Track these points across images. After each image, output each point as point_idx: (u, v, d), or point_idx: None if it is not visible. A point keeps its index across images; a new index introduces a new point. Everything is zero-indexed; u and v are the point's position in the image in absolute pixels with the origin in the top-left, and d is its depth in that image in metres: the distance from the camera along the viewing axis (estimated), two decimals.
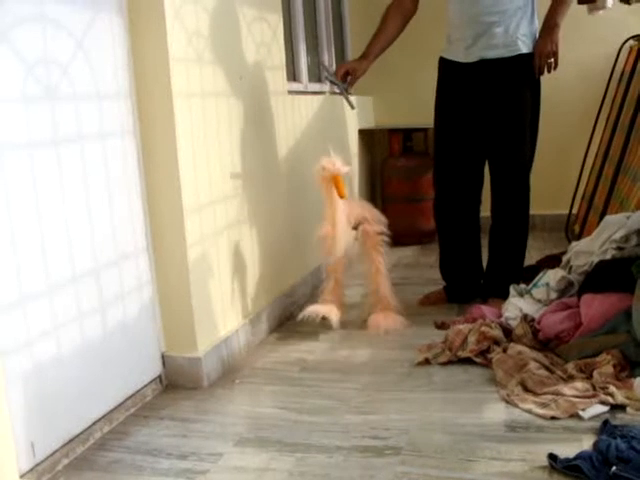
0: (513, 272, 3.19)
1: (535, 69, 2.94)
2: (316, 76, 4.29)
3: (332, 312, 2.99)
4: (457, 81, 3.07)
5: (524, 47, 2.92)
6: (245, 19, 2.95)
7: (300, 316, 2.97)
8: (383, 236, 3.05)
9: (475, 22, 2.91)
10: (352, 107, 3.16)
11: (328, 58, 4.57)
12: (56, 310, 2.00)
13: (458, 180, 3.16)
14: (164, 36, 2.34)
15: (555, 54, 2.93)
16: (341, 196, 2.85)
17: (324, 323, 2.97)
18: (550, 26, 2.93)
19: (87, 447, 2.11)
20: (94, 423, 2.16)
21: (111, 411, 2.25)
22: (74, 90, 2.09)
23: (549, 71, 2.97)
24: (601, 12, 4.03)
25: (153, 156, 2.43)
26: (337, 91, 3.22)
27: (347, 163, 2.92)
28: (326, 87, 4.37)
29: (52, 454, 1.97)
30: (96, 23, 2.19)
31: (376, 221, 3.07)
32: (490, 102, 2.99)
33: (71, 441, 2.05)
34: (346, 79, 3.09)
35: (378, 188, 5.18)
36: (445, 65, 3.12)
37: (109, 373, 2.24)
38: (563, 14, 2.95)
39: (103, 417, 2.20)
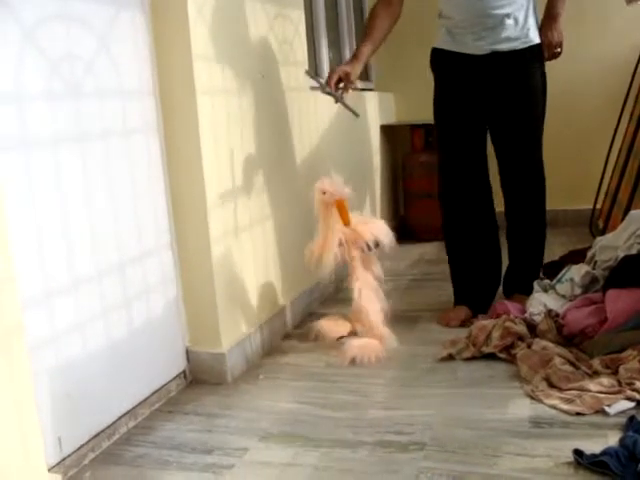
0: (535, 267, 3.14)
1: (545, 59, 2.95)
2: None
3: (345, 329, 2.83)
4: (465, 73, 2.92)
5: (535, 37, 2.87)
6: (268, 15, 2.95)
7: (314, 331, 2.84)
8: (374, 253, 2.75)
9: (484, 16, 2.80)
10: (356, 115, 2.92)
11: (350, 53, 4.55)
12: (81, 306, 2.02)
13: (467, 176, 3.02)
14: (187, 33, 2.35)
15: (561, 43, 2.96)
16: (347, 223, 2.65)
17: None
18: (554, 15, 2.94)
19: (113, 442, 2.12)
20: (119, 418, 2.18)
21: (136, 406, 2.26)
22: (98, 87, 2.10)
23: (554, 59, 3.02)
24: (639, 2, 4.00)
25: (177, 153, 2.44)
26: (334, 101, 2.86)
27: (347, 183, 2.70)
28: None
29: (79, 448, 1.99)
30: (119, 20, 2.21)
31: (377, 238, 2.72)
32: (504, 94, 2.89)
33: (97, 436, 2.07)
34: (339, 85, 2.82)
35: (400, 184, 5.18)
36: (446, 57, 2.97)
37: (134, 368, 2.26)
38: (564, 1, 2.94)
39: (128, 412, 2.22)
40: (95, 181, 2.08)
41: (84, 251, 2.03)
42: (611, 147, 4.52)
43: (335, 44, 4.35)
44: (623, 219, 3.17)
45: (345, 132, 3.99)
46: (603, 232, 3.91)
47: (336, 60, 4.32)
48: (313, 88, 3.14)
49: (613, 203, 4.12)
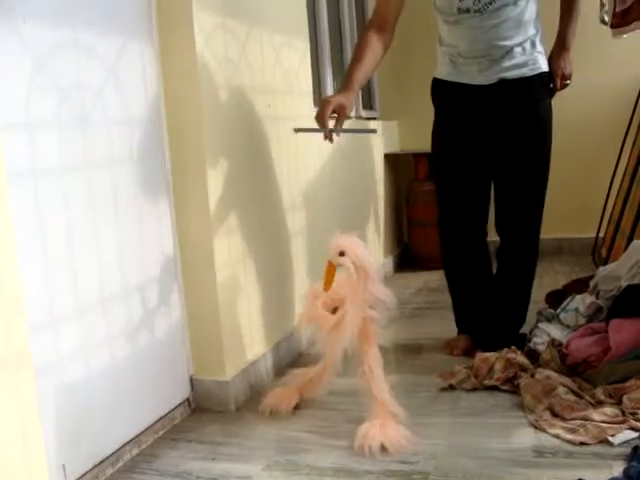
0: (516, 323, 2.97)
1: (554, 89, 2.86)
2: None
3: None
4: (469, 104, 2.79)
5: (544, 65, 2.78)
6: (274, 46, 2.99)
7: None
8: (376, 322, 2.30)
9: (491, 47, 2.68)
10: (372, 132, 2.79)
11: None
12: (86, 332, 2.03)
13: (467, 211, 2.91)
14: (194, 64, 2.38)
15: (571, 75, 2.89)
16: (326, 288, 2.27)
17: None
18: (566, 47, 2.85)
19: (117, 469, 2.13)
20: (123, 445, 2.18)
21: (140, 434, 2.26)
22: (106, 116, 2.13)
23: (562, 89, 2.92)
24: (625, 36, 4.04)
25: (183, 181, 2.46)
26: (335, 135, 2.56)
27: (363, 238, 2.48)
28: (352, 112, 4.40)
29: (82, 476, 1.99)
30: (127, 50, 2.24)
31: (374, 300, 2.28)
32: (511, 125, 2.75)
33: (101, 463, 2.07)
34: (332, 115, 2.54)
35: (403, 212, 5.20)
36: (449, 88, 2.84)
37: (138, 395, 2.27)
38: (575, 32, 2.87)
39: (132, 440, 2.22)
40: (102, 208, 2.10)
41: (90, 277, 2.05)
42: (614, 175, 4.54)
43: (339, 74, 4.39)
44: (626, 247, 3.19)
45: (349, 161, 4.01)
46: (606, 261, 3.92)
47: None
48: (298, 130, 2.88)
49: (616, 231, 4.13)
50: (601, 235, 4.59)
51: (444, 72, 2.86)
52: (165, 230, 2.43)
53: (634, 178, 4.10)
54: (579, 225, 4.90)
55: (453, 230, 2.97)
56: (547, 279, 4.08)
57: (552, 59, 2.84)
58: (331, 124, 2.52)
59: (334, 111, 2.49)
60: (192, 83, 2.40)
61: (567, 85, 2.90)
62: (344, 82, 2.63)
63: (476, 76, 2.75)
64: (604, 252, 4.31)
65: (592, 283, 3.12)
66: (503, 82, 2.73)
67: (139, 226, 2.28)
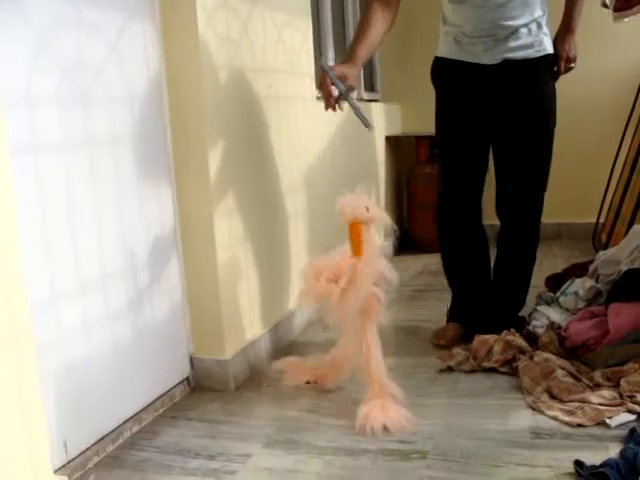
0: (518, 303, 2.96)
1: (558, 72, 2.83)
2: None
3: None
4: (473, 84, 2.74)
5: (549, 47, 2.74)
6: (276, 25, 2.98)
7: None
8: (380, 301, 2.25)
9: (497, 27, 2.64)
10: (368, 126, 2.43)
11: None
12: (87, 310, 2.04)
13: (467, 190, 2.87)
14: (196, 42, 2.38)
15: (575, 58, 2.85)
16: (357, 253, 2.19)
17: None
18: (571, 29, 2.81)
19: (117, 446, 2.14)
20: (124, 422, 2.19)
21: (140, 411, 2.28)
22: (107, 94, 2.13)
23: (566, 72, 2.87)
24: (626, 19, 4.01)
25: (184, 160, 2.46)
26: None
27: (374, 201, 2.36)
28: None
29: (84, 452, 2.00)
30: (129, 29, 2.24)
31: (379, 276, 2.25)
32: (516, 106, 2.71)
33: (102, 439, 2.08)
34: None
35: (404, 195, 5.20)
36: (452, 67, 2.78)
37: (138, 373, 2.28)
38: (580, 14, 2.83)
39: (133, 417, 2.24)
40: (102, 186, 2.11)
41: (91, 256, 2.05)
42: (615, 161, 4.54)
43: (341, 56, 4.37)
44: (626, 233, 3.20)
45: (350, 142, 4.01)
46: (606, 246, 3.93)
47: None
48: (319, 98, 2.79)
49: (616, 217, 4.14)
50: (601, 221, 4.59)
51: (447, 50, 2.80)
52: (166, 209, 2.43)
53: (635, 164, 4.10)
54: (579, 210, 4.91)
55: (452, 211, 2.91)
56: (547, 263, 4.10)
57: (557, 41, 2.80)
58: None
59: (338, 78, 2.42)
60: (194, 63, 2.40)
61: (571, 68, 2.87)
62: (348, 56, 2.57)
63: (480, 55, 2.71)
64: (604, 237, 4.32)
65: (592, 267, 3.13)
66: (507, 62, 2.69)
67: (140, 204, 2.29)
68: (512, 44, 2.67)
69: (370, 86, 4.99)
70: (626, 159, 4.43)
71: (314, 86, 3.41)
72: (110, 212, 2.14)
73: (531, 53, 2.69)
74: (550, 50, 2.75)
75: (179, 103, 2.43)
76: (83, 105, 2.02)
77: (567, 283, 3.00)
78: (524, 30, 2.66)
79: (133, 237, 2.25)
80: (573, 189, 4.87)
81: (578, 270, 3.44)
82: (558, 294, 2.98)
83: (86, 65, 2.03)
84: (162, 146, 2.41)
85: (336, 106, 2.44)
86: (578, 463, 1.80)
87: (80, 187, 2.01)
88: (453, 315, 3.03)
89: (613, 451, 1.90)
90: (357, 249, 2.17)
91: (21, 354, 1.59)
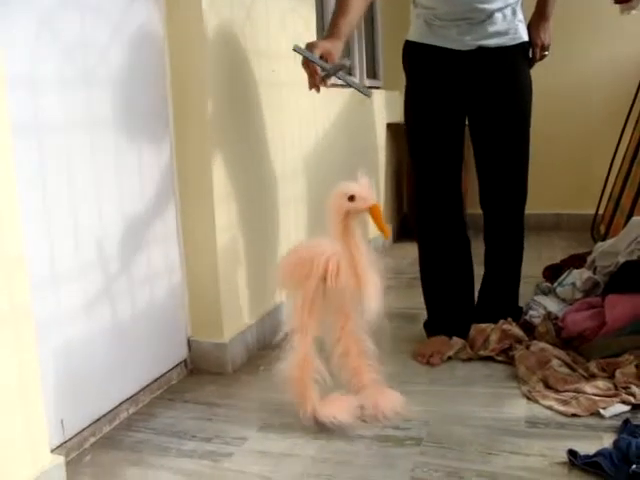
0: (513, 287, 2.84)
1: (533, 60, 2.70)
2: (346, 69, 4.30)
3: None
4: (445, 70, 2.60)
5: (524, 34, 2.61)
6: (280, 10, 2.97)
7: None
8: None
9: (471, 10, 2.51)
10: (367, 94, 2.42)
11: (359, 51, 4.58)
12: (86, 290, 2.04)
13: (444, 185, 2.71)
14: (200, 26, 2.37)
15: (549, 46, 2.72)
16: (387, 235, 2.09)
17: None
18: (546, 15, 2.69)
19: (113, 427, 2.15)
20: (120, 404, 2.20)
21: (137, 393, 2.29)
22: (110, 74, 2.13)
23: (540, 61, 2.74)
24: (634, 12, 4.00)
25: (186, 142, 2.46)
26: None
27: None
28: (356, 80, 4.38)
29: (80, 432, 2.01)
30: (132, 9, 2.23)
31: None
32: (490, 95, 2.59)
33: (98, 420, 2.10)
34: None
35: (404, 182, 5.19)
36: (423, 51, 2.64)
37: (136, 355, 2.29)
38: (555, 1, 2.70)
39: (129, 398, 2.25)
40: (103, 168, 2.11)
41: (91, 236, 2.06)
42: (615, 153, 4.54)
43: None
44: (625, 225, 3.20)
45: (351, 129, 4.01)
46: (605, 237, 3.94)
47: (343, 57, 4.33)
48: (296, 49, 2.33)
49: (616, 209, 4.14)
50: (600, 212, 4.60)
51: (417, 34, 2.66)
52: (166, 190, 2.43)
53: (635, 156, 4.10)
54: (578, 201, 4.91)
55: (431, 208, 2.74)
56: (545, 253, 4.10)
57: (531, 29, 2.68)
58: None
59: (321, 57, 2.31)
60: (197, 46, 2.39)
61: (545, 56, 2.74)
62: (330, 31, 2.45)
63: (454, 40, 2.57)
64: (603, 229, 4.32)
65: (590, 258, 3.14)
66: (482, 50, 2.56)
67: (140, 186, 2.29)
68: (487, 29, 2.54)
69: (372, 73, 4.99)
70: (626, 150, 4.43)
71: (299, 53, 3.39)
72: (110, 192, 2.14)
73: (506, 41, 2.58)
74: (525, 38, 2.63)
75: (182, 87, 2.43)
76: (85, 82, 2.01)
77: (565, 274, 3.01)
78: (499, 15, 2.54)
79: (134, 218, 2.25)
80: (573, 180, 4.88)
81: (576, 261, 3.45)
82: (555, 284, 2.99)
83: (89, 43, 2.03)
84: (164, 127, 2.41)
85: (320, 87, 2.35)
86: (572, 452, 1.82)
87: (81, 166, 2.01)
88: (433, 328, 2.81)
89: (607, 441, 1.91)
90: (384, 231, 2.01)
91: (21, 334, 1.60)
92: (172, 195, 2.46)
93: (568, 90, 4.69)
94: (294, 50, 2.28)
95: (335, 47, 2.36)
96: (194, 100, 2.43)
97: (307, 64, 2.31)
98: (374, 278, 1.99)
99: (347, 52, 4.44)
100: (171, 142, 2.45)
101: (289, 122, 3.11)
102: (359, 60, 4.56)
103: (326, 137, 3.59)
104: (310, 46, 2.31)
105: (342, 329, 2.16)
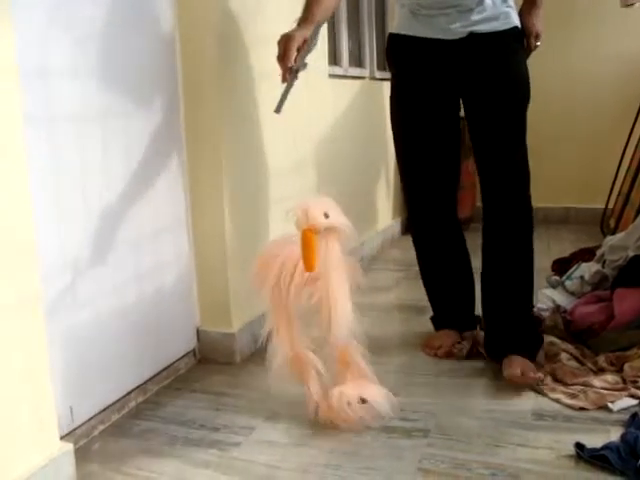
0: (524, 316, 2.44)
1: (528, 49, 2.53)
2: (356, 60, 4.30)
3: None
4: (435, 62, 2.42)
5: (516, 20, 2.43)
6: (291, 2, 2.96)
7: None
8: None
9: None
10: (278, 110, 2.29)
11: (369, 43, 4.56)
12: (96, 279, 2.05)
13: (437, 189, 2.57)
14: (211, 13, 2.38)
15: (541, 34, 2.55)
16: (309, 269, 1.89)
17: None
18: (537, 3, 2.52)
19: (122, 415, 2.16)
20: (129, 392, 2.21)
21: (146, 382, 2.30)
22: (121, 65, 2.13)
23: (533, 51, 2.58)
24: (637, 4, 3.98)
25: (196, 131, 2.46)
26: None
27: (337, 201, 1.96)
28: (366, 72, 4.38)
29: (89, 420, 2.03)
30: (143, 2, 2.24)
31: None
32: (484, 84, 2.38)
33: (107, 408, 2.11)
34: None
35: None
36: (410, 44, 2.46)
37: (145, 344, 2.30)
38: None
39: (138, 387, 2.26)
40: (114, 157, 2.11)
41: (101, 224, 2.07)
42: (626, 147, 4.52)
43: (355, 32, 4.35)
44: (635, 219, 3.19)
45: (361, 120, 4.00)
46: (614, 231, 3.93)
47: (355, 50, 4.32)
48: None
49: (625, 203, 4.13)
50: (610, 206, 4.58)
51: (402, 26, 2.49)
52: (176, 177, 2.44)
53: None
54: (588, 195, 4.90)
55: (424, 212, 2.63)
56: (554, 247, 4.10)
57: (523, 16, 2.50)
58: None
59: (298, 49, 2.23)
60: (208, 33, 2.39)
61: (537, 46, 2.58)
62: (303, 16, 2.31)
63: (443, 29, 2.39)
64: (612, 222, 4.31)
65: (599, 252, 3.13)
66: (473, 36, 2.37)
67: (150, 175, 2.29)
68: (477, 17, 2.36)
69: (383, 66, 4.97)
70: (637, 144, 4.41)
71: (327, 62, 3.40)
72: (121, 181, 2.15)
73: (497, 25, 2.38)
74: (517, 23, 2.46)
75: (193, 76, 2.43)
76: (98, 72, 2.02)
77: (573, 267, 3.00)
78: (489, 2, 2.37)
79: (143, 206, 2.25)
80: (582, 173, 4.86)
81: (586, 254, 3.44)
82: (564, 278, 2.99)
83: (99, 33, 2.03)
84: (175, 116, 2.41)
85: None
86: (579, 445, 1.82)
87: (92, 156, 2.01)
88: (439, 323, 2.76)
89: (614, 435, 1.91)
90: (308, 263, 1.86)
91: (30, 320, 1.61)
92: (182, 184, 2.47)
93: (578, 85, 4.68)
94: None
95: (310, 33, 2.27)
96: (205, 88, 2.43)
97: (288, 58, 2.21)
98: (343, 302, 1.90)
99: (357, 45, 4.43)
100: (182, 131, 2.45)
101: (298, 112, 3.10)
102: (369, 52, 4.54)
103: (336, 128, 3.58)
104: (288, 39, 2.21)
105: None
